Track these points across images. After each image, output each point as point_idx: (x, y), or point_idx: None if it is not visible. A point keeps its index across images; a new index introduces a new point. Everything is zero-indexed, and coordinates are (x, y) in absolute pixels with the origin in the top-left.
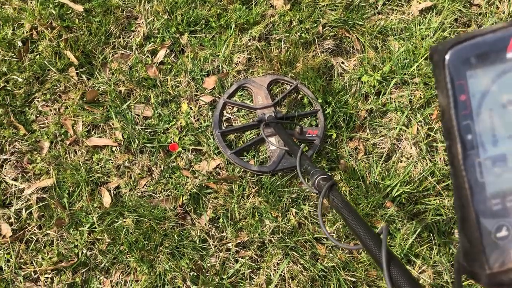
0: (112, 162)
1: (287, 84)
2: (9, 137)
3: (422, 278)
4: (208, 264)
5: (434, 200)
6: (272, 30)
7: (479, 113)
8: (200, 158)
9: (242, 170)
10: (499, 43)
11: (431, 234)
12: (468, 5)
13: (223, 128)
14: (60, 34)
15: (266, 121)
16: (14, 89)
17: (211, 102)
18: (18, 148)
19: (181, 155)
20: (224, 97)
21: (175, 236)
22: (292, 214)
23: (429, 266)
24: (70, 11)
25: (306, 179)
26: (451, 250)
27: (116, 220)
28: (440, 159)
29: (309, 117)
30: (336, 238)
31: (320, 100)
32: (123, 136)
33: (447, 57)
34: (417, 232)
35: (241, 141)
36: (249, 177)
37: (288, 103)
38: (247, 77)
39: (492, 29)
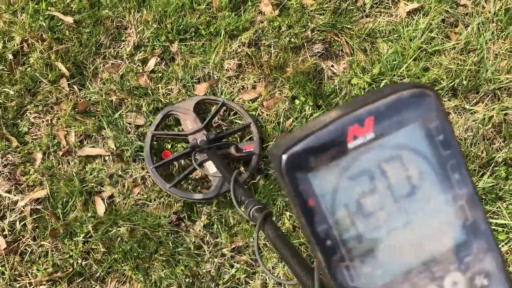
0: (105, 172)
1: (214, 103)
2: (1, 150)
3: None
4: (204, 270)
5: None
6: (261, 36)
7: (333, 214)
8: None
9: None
10: (337, 136)
11: None
12: (455, 6)
13: (156, 162)
14: (50, 46)
15: (198, 147)
16: (6, 101)
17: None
18: (11, 161)
19: (174, 162)
20: (151, 130)
21: (170, 243)
22: (286, 217)
23: None
24: (60, 23)
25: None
26: None
27: (111, 229)
28: None
29: (243, 132)
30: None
31: (311, 103)
32: (115, 145)
33: (283, 163)
34: None
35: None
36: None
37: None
38: (172, 103)
39: (325, 123)
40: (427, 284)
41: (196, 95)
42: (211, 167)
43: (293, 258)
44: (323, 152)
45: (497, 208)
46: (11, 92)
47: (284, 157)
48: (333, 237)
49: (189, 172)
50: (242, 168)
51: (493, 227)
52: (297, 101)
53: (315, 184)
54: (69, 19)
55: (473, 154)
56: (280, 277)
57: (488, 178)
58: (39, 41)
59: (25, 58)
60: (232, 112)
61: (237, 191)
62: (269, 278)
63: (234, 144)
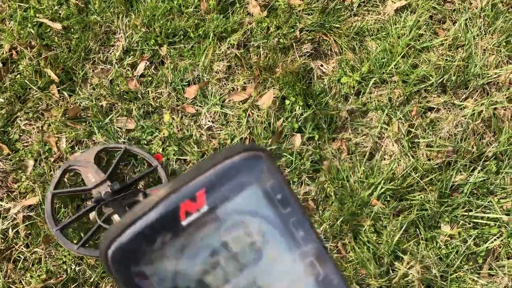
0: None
1: (115, 150)
2: None
3: (410, 273)
4: None
5: (419, 195)
6: (250, 37)
7: None
8: (185, 167)
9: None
10: (168, 216)
11: (417, 230)
12: (442, 2)
13: (59, 224)
14: (39, 53)
15: (103, 200)
16: None
17: (193, 114)
18: (2, 168)
19: (166, 167)
20: (51, 189)
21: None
22: None
23: (417, 261)
24: (48, 30)
25: None
26: (437, 244)
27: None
28: (423, 154)
29: (149, 176)
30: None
31: (301, 103)
32: None
33: (109, 258)
34: (403, 228)
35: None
36: None
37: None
38: (67, 159)
39: (154, 203)
40: None
41: (186, 98)
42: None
43: None
44: (154, 236)
45: (488, 202)
46: (1, 100)
47: (110, 251)
48: None
49: (95, 230)
50: None
51: (486, 222)
52: (287, 101)
53: (151, 274)
54: (57, 26)
55: (463, 149)
56: None
57: (478, 173)
58: (28, 48)
59: (14, 65)
60: (136, 158)
61: None
62: None
63: (141, 191)
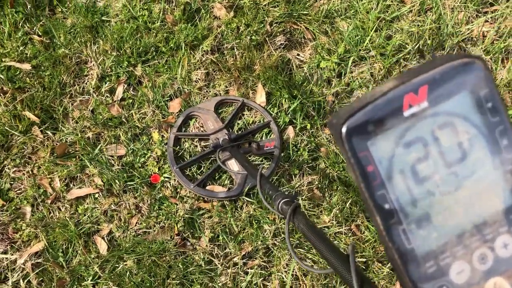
0: (98, 209)
1: (234, 102)
2: None
3: None
4: (219, 284)
5: None
6: (222, 40)
7: (390, 179)
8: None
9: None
10: (393, 105)
11: None
12: None
13: (180, 162)
14: (14, 97)
15: (221, 146)
16: None
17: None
18: (0, 220)
19: (165, 184)
20: (174, 131)
21: (180, 265)
22: None
23: None
24: (18, 72)
25: (270, 203)
26: None
27: (117, 265)
28: None
29: (263, 130)
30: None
31: (286, 95)
32: (102, 181)
33: (343, 131)
34: None
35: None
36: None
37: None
38: (192, 105)
39: (383, 92)
40: (479, 246)
41: (171, 112)
42: (233, 166)
43: (325, 246)
44: (380, 120)
45: None
46: None
47: (345, 126)
48: (390, 201)
49: (212, 171)
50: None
51: None
52: (272, 97)
53: (373, 151)
54: (26, 66)
55: None
56: (312, 266)
57: None
58: (1, 94)
59: None
60: (250, 112)
61: (263, 186)
62: (286, 276)
63: (255, 142)
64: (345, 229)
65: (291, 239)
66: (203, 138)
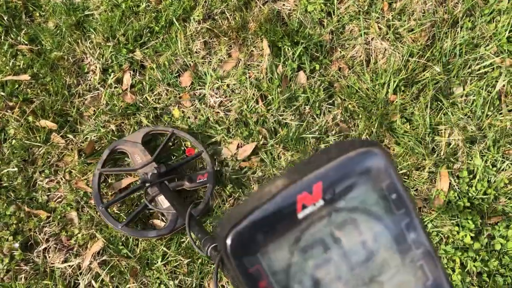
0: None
1: (163, 133)
2: (35, 227)
3: (452, 139)
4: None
5: (426, 73)
6: (211, 6)
7: None
8: (220, 148)
9: None
10: (284, 208)
11: (438, 102)
12: None
13: (105, 201)
14: (23, 110)
15: (149, 182)
16: (11, 182)
17: (197, 96)
18: (50, 232)
19: (202, 154)
20: (98, 167)
21: None
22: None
23: (453, 126)
24: (17, 85)
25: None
26: (460, 105)
27: (182, 240)
28: (409, 39)
29: (196, 160)
30: None
31: (288, 43)
32: None
33: (228, 244)
34: (428, 106)
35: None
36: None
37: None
38: (117, 138)
39: (271, 193)
40: None
41: (184, 87)
42: (164, 202)
43: None
44: (271, 226)
45: (479, 53)
46: (10, 170)
47: (229, 238)
48: None
49: (140, 210)
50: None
51: (485, 70)
52: (275, 48)
53: (265, 263)
54: (25, 77)
55: (439, 20)
56: None
57: (460, 33)
58: (8, 110)
59: (3, 133)
60: (180, 142)
61: (193, 228)
62: None
63: (186, 175)
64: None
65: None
66: (130, 173)
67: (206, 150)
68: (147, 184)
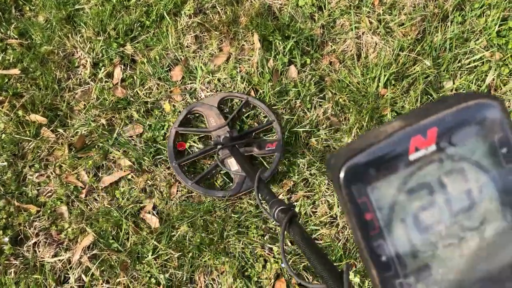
0: (135, 189)
1: (238, 99)
2: (25, 221)
3: None
4: (273, 222)
5: (416, 67)
6: (201, 1)
7: (390, 228)
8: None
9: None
10: (398, 148)
11: (428, 96)
12: None
13: (179, 158)
14: (13, 105)
15: (222, 143)
16: (0, 176)
17: (188, 90)
18: (40, 226)
19: (192, 149)
20: (175, 126)
21: (232, 215)
22: (315, 143)
23: None
24: (7, 79)
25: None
26: None
27: (173, 233)
28: (400, 33)
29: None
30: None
31: (279, 38)
32: (131, 161)
33: (341, 174)
34: (418, 100)
35: (204, 166)
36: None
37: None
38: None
39: (387, 133)
40: None
41: (175, 81)
42: (233, 164)
43: (319, 260)
44: (383, 164)
45: (468, 48)
46: (1, 165)
47: (344, 168)
48: (388, 252)
49: (211, 169)
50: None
51: (475, 64)
52: (266, 43)
53: (373, 197)
54: (14, 71)
55: (429, 14)
56: (306, 280)
57: (450, 27)
58: None
59: None
60: (254, 110)
61: (261, 190)
62: (331, 199)
63: (257, 141)
64: None
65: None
66: (204, 134)
67: (278, 119)
68: (219, 146)
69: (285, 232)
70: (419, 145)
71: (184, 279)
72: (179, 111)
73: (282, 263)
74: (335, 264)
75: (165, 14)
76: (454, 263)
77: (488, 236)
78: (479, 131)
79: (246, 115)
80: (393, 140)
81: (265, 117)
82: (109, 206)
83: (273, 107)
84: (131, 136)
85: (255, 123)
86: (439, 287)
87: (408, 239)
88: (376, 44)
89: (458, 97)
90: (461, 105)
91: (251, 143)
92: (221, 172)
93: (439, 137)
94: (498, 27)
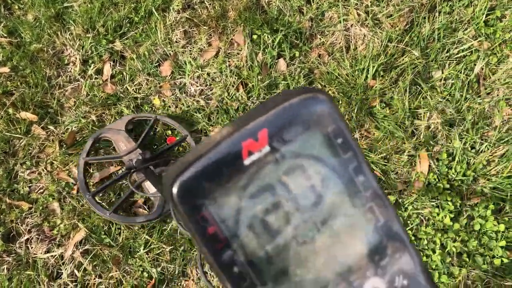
0: (126, 184)
1: (146, 119)
2: (17, 218)
3: (431, 122)
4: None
5: (405, 57)
6: None
7: (237, 238)
8: (201, 136)
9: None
10: (230, 155)
11: (417, 86)
12: None
13: (92, 190)
14: (3, 103)
15: (135, 168)
16: None
17: (178, 84)
18: (32, 223)
19: (182, 144)
20: (83, 156)
21: None
22: None
23: (432, 110)
24: None
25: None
26: (439, 89)
27: (164, 227)
28: (388, 24)
29: (180, 146)
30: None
31: (268, 31)
32: None
33: (174, 192)
34: (407, 91)
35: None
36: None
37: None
38: (98, 128)
39: (217, 141)
40: None
41: (164, 76)
42: (150, 188)
43: None
44: (218, 173)
45: (457, 37)
46: None
47: (175, 185)
48: (239, 263)
49: (127, 196)
50: None
51: (464, 54)
52: (254, 36)
53: (213, 209)
54: (4, 70)
55: (417, 5)
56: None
57: (439, 17)
58: None
59: None
60: (164, 128)
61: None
62: None
63: (172, 159)
64: (357, 136)
65: None
66: (116, 160)
67: (191, 134)
68: (132, 170)
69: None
70: (252, 148)
71: (176, 272)
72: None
73: None
74: None
75: (153, 10)
76: (310, 262)
77: (340, 228)
78: (310, 126)
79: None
80: (222, 148)
81: (177, 133)
82: (100, 202)
83: (261, 101)
84: None
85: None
86: None
87: (259, 245)
88: (365, 35)
89: (285, 95)
90: (287, 103)
91: (166, 162)
92: (143, 196)
93: (271, 138)
94: (486, 16)
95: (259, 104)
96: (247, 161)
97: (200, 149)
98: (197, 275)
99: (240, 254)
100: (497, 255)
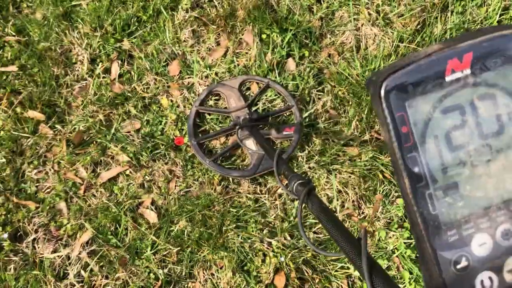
0: (133, 184)
1: (259, 82)
2: (24, 218)
3: None
4: (272, 217)
5: None
6: None
7: (423, 143)
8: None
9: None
10: (436, 68)
11: None
12: None
13: (198, 136)
14: (11, 101)
15: (241, 124)
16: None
17: (186, 85)
18: (39, 222)
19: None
20: (196, 105)
21: (231, 210)
22: (314, 136)
23: None
24: (5, 76)
25: (285, 184)
26: None
27: (171, 228)
28: (399, 24)
29: (285, 114)
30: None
31: (277, 31)
32: (129, 157)
33: (382, 89)
34: None
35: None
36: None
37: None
38: (217, 81)
39: (427, 53)
40: (504, 221)
41: (172, 76)
42: (251, 146)
43: (337, 230)
44: (421, 82)
45: None
46: (1, 160)
47: (385, 83)
48: (420, 164)
49: (229, 148)
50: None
51: None
52: (263, 35)
53: (410, 112)
54: (12, 68)
55: (429, 4)
56: (324, 250)
57: (451, 17)
58: None
59: None
60: (274, 93)
61: (280, 166)
62: (329, 192)
63: (275, 125)
64: (368, 137)
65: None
66: (224, 114)
67: (297, 104)
68: (238, 127)
69: (303, 206)
70: (455, 67)
71: (183, 274)
72: (193, 99)
73: (281, 256)
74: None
75: (162, 8)
76: (481, 182)
77: None
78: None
79: (265, 99)
80: (431, 60)
81: (284, 102)
82: (108, 202)
83: (270, 101)
84: (129, 132)
85: (274, 108)
86: (464, 203)
87: (440, 155)
88: (375, 35)
89: (494, 28)
90: (497, 33)
91: (269, 126)
92: (237, 155)
93: (474, 62)
94: (499, 16)
95: (472, 31)
96: (448, 78)
97: (411, 57)
98: (204, 276)
99: (422, 158)
100: None
